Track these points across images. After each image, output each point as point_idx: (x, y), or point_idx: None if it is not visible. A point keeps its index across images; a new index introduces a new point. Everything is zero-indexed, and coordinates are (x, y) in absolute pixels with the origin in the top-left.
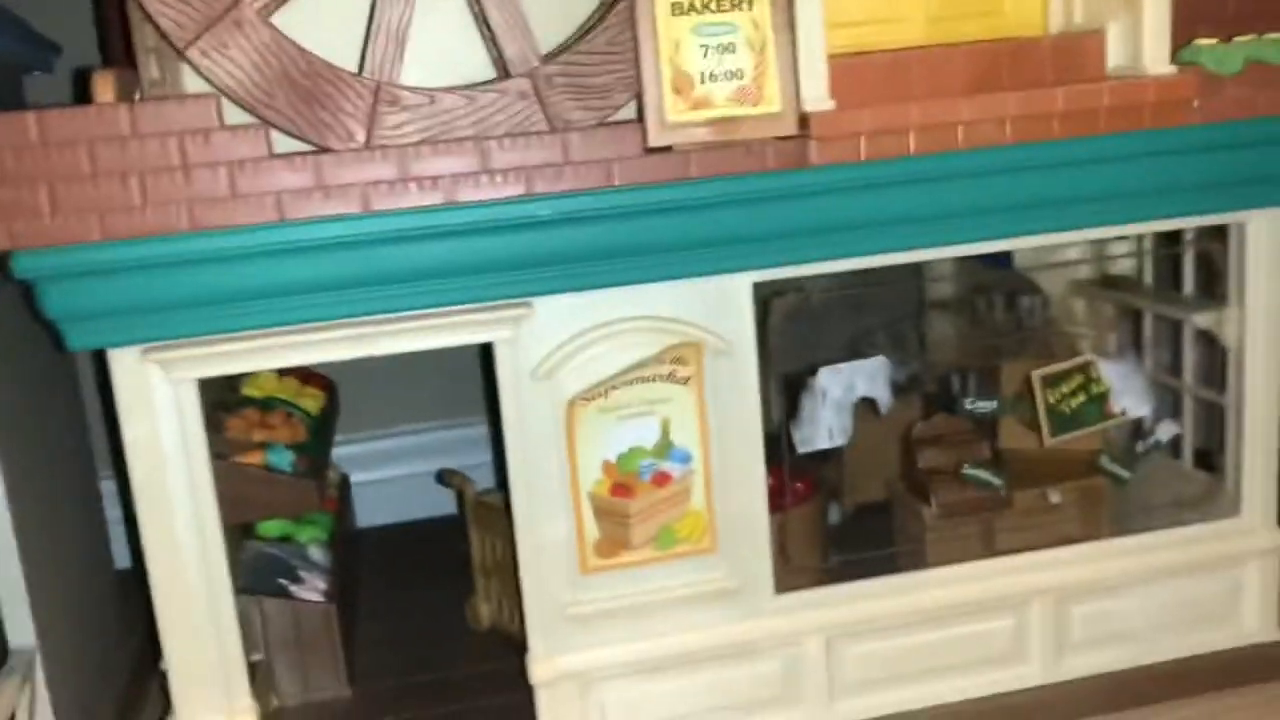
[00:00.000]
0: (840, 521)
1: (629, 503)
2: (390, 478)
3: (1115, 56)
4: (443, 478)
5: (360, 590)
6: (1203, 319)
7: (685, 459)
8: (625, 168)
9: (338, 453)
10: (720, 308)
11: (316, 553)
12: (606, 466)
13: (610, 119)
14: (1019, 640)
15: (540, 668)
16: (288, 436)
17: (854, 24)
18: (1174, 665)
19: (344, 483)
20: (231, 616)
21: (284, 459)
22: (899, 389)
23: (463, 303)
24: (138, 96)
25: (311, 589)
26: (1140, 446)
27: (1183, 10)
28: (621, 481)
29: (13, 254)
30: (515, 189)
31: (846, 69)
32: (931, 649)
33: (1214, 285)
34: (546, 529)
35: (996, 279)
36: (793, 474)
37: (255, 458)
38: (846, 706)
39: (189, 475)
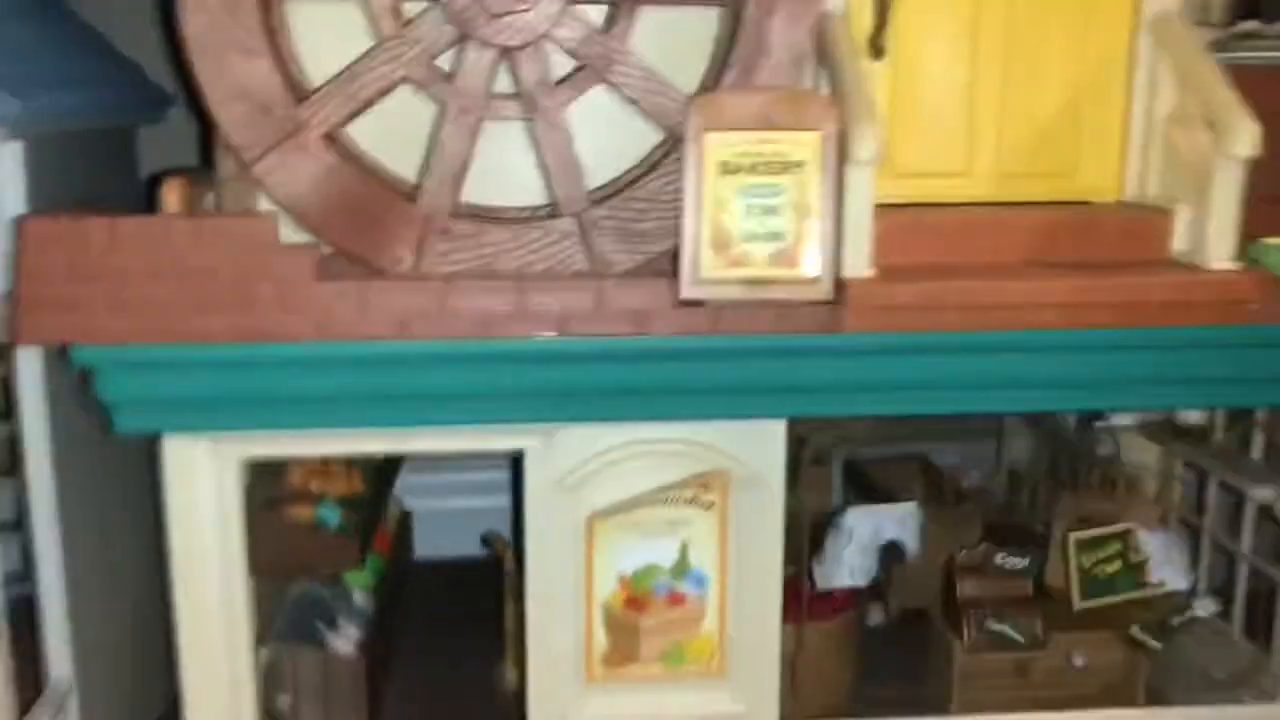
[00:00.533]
0: (881, 624)
1: (641, 617)
2: (455, 510)
3: (1181, 240)
4: (486, 540)
5: (404, 631)
6: (1262, 493)
7: (701, 582)
8: (657, 317)
9: (404, 481)
10: (752, 439)
11: (360, 597)
12: (622, 580)
13: (650, 263)
14: None
15: None
16: (344, 488)
17: (919, 175)
18: None
19: (404, 519)
20: (249, 682)
21: (332, 516)
22: (962, 499)
23: (494, 421)
24: (210, 196)
25: (346, 638)
26: (1176, 620)
27: (1258, 203)
28: (635, 597)
29: (73, 345)
30: (549, 329)
31: (900, 228)
32: None
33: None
34: (557, 633)
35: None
36: None
37: (304, 512)
38: None
39: (223, 551)
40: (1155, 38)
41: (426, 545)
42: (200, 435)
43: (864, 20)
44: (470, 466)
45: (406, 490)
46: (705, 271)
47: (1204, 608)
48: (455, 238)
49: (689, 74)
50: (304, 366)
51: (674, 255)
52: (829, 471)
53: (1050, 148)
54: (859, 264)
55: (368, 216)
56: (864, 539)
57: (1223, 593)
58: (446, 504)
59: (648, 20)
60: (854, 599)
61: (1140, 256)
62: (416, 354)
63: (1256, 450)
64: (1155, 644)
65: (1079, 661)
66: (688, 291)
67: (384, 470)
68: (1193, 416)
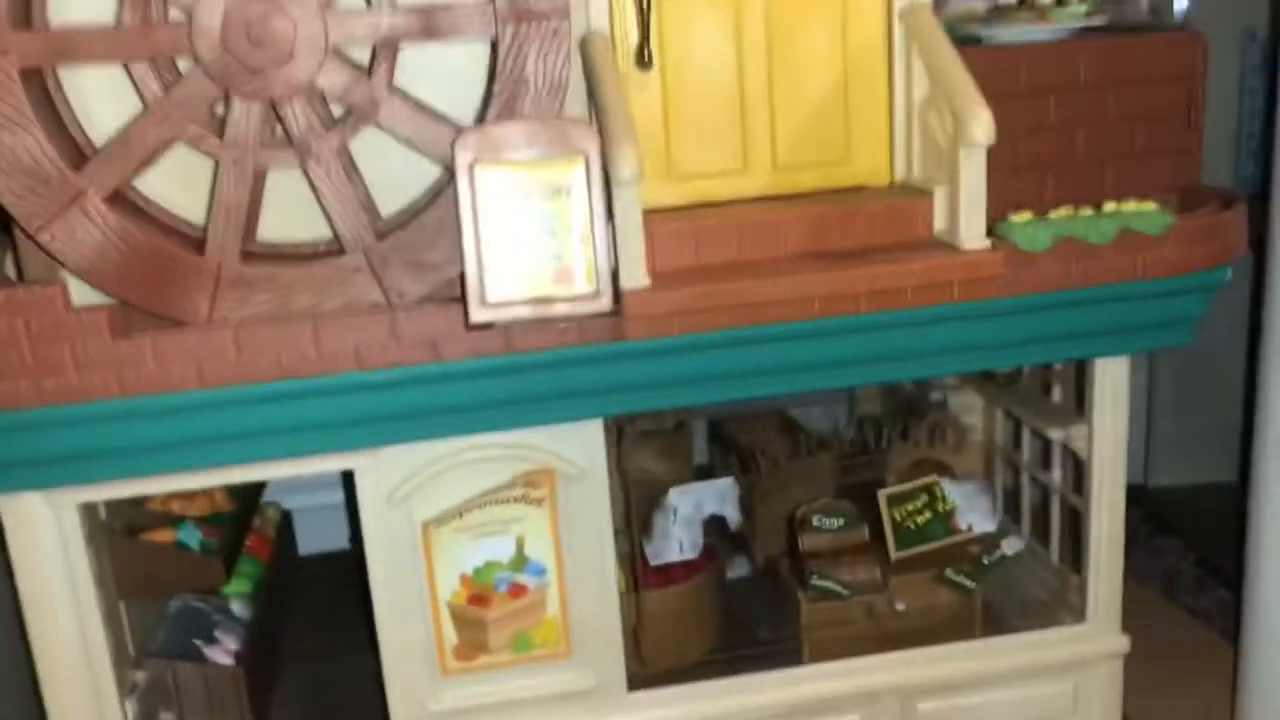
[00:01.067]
0: (748, 575)
1: (485, 612)
2: (336, 503)
3: (940, 220)
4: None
5: (290, 631)
6: (1057, 433)
7: (540, 572)
8: (450, 342)
9: (278, 481)
10: (571, 436)
11: (238, 606)
12: (464, 579)
13: (439, 290)
14: None
15: None
16: (206, 507)
17: (699, 176)
18: None
19: (283, 520)
20: (114, 708)
21: (193, 537)
22: (818, 450)
23: (309, 454)
24: (9, 259)
25: (224, 650)
26: (986, 559)
27: (1012, 179)
28: (478, 593)
29: None
30: (345, 364)
31: (676, 236)
32: None
33: (1072, 399)
34: (406, 633)
35: None
36: None
37: (165, 535)
38: None
39: (73, 591)
40: (905, 27)
41: (310, 541)
42: (27, 491)
43: (632, 33)
44: None
45: (283, 490)
46: (491, 295)
47: (1011, 546)
48: (248, 283)
49: (471, 105)
50: (112, 421)
51: (461, 281)
52: (688, 436)
53: (821, 137)
54: (635, 275)
55: (160, 272)
56: (688, 515)
57: (1042, 525)
58: (326, 499)
59: (421, 57)
60: (705, 562)
61: (906, 238)
62: (217, 399)
63: (1056, 395)
64: (969, 583)
65: (900, 606)
66: (476, 315)
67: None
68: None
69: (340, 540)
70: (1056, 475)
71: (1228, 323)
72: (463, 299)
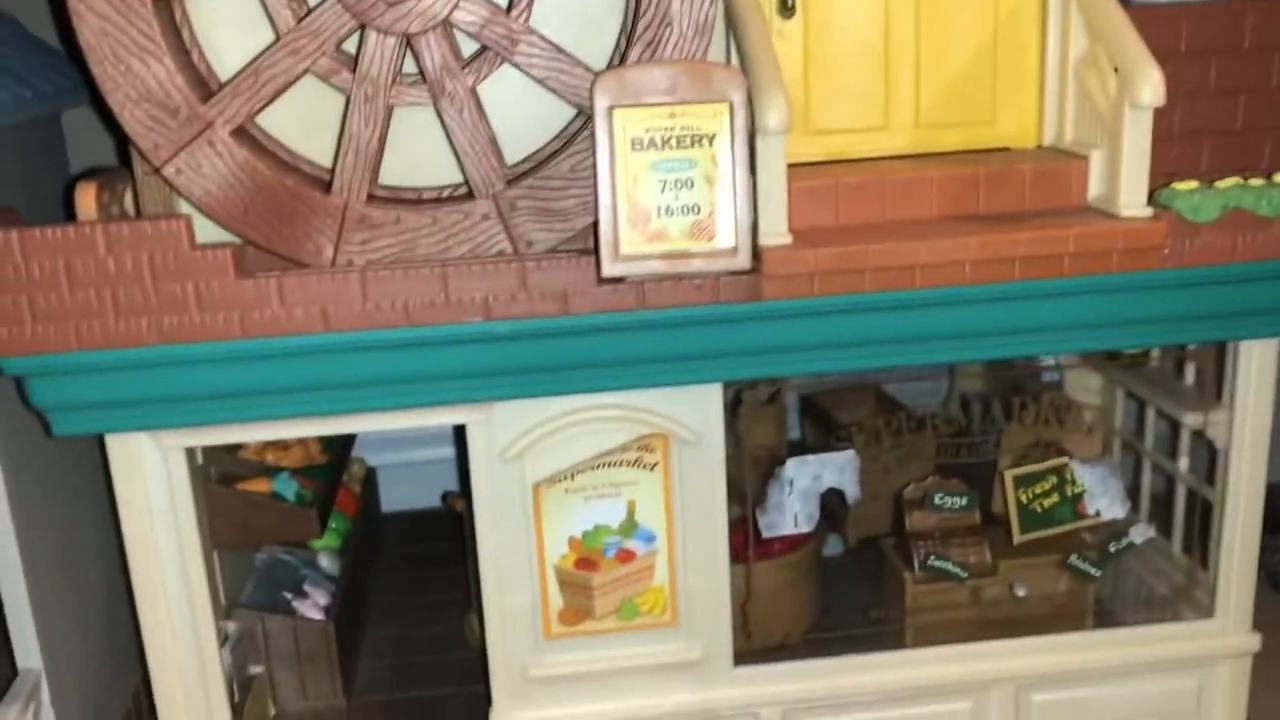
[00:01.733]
0: (840, 554)
1: (592, 576)
2: (419, 461)
3: (1095, 187)
4: (445, 500)
5: (375, 588)
6: (1193, 418)
7: (649, 539)
8: (579, 296)
9: (367, 435)
10: (689, 401)
11: (326, 561)
12: (572, 542)
13: (571, 240)
14: None
15: None
16: (300, 458)
17: (837, 132)
18: None
19: (368, 476)
20: (214, 657)
21: (289, 488)
22: (915, 429)
23: (429, 405)
24: (129, 195)
25: (313, 605)
26: (1113, 547)
27: (1167, 147)
28: (586, 556)
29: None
30: (472, 314)
31: (814, 193)
32: None
33: (1208, 385)
34: (512, 596)
35: None
36: None
37: (261, 485)
38: None
39: (177, 536)
40: None
41: (393, 500)
42: (139, 432)
43: None
44: None
45: (368, 446)
46: (625, 248)
47: (1140, 534)
48: (373, 226)
49: (600, 49)
50: (231, 362)
51: (594, 232)
52: (781, 408)
53: (967, 96)
54: (775, 231)
55: (284, 210)
56: (804, 487)
57: (1164, 514)
58: (410, 456)
59: None
60: (808, 534)
61: (1057, 204)
62: (341, 344)
63: (1189, 377)
64: (1093, 571)
65: (1021, 591)
66: (609, 269)
67: (343, 435)
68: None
69: (422, 499)
70: (1184, 463)
71: None
72: (594, 251)
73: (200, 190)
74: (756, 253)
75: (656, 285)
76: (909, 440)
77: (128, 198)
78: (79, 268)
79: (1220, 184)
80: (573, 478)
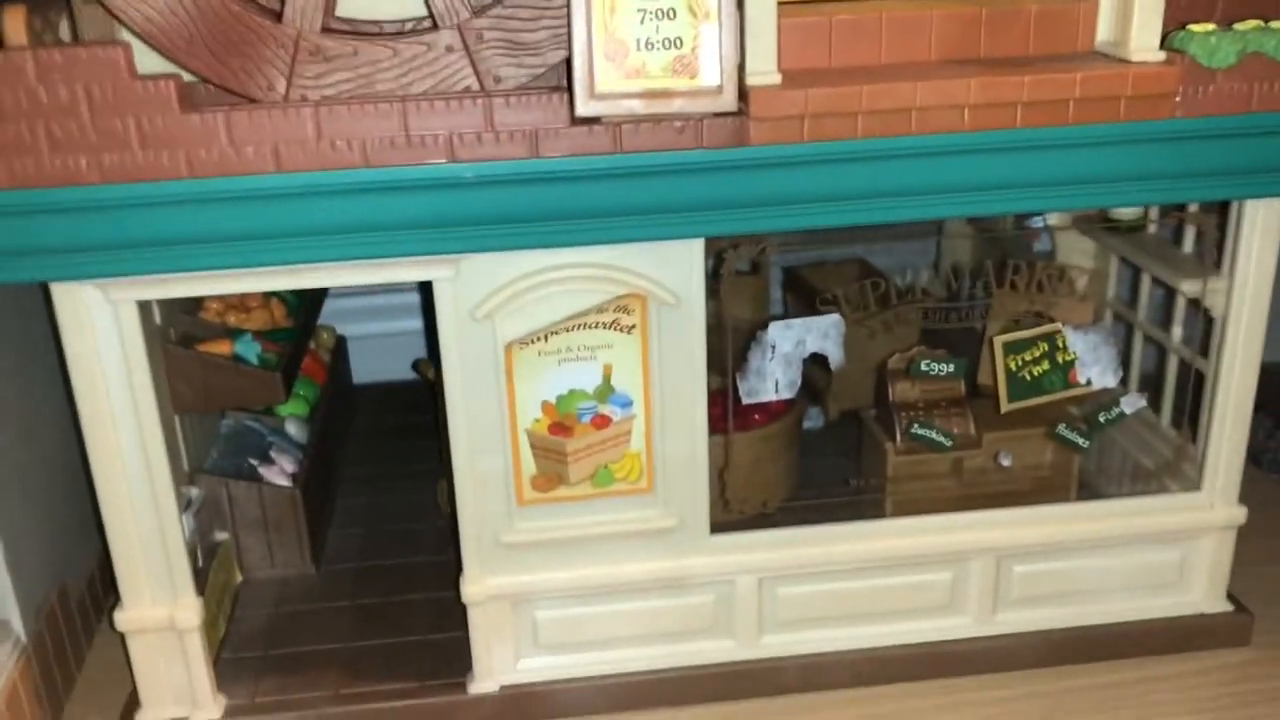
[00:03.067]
0: (820, 427)
1: (566, 441)
2: (391, 332)
3: (1105, 30)
4: (416, 366)
5: (345, 459)
6: (1190, 286)
7: (626, 404)
8: (550, 139)
9: (336, 307)
10: (669, 261)
11: (294, 428)
12: (545, 406)
13: (541, 78)
14: (955, 593)
15: (473, 588)
16: (264, 321)
17: None
18: (1113, 628)
19: (338, 345)
20: (173, 519)
21: (251, 350)
22: (907, 295)
23: (390, 256)
24: (64, 24)
25: (280, 471)
26: (1103, 417)
27: None
28: (560, 421)
29: None
30: (435, 156)
31: (803, 30)
32: (864, 596)
33: (1208, 251)
34: (483, 461)
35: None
36: None
37: (222, 347)
38: (775, 641)
39: (131, 395)
40: None
41: (364, 371)
42: (86, 282)
43: None
44: (401, 289)
45: (339, 316)
46: (601, 85)
47: (1130, 404)
48: (328, 58)
49: None
50: (177, 205)
51: (567, 68)
52: (764, 280)
53: None
54: (763, 70)
55: (232, 40)
56: (786, 352)
57: (1154, 387)
58: (381, 327)
59: None
60: (788, 406)
61: (1062, 49)
62: (294, 187)
63: (1188, 244)
64: (1082, 441)
65: (1005, 461)
66: (583, 108)
67: (307, 298)
68: (1126, 212)
69: (395, 372)
70: (1178, 333)
71: None
72: (568, 89)
73: (141, 17)
74: (743, 93)
75: (635, 127)
76: (894, 309)
77: (63, 27)
78: (8, 99)
79: (1239, 26)
80: (546, 339)
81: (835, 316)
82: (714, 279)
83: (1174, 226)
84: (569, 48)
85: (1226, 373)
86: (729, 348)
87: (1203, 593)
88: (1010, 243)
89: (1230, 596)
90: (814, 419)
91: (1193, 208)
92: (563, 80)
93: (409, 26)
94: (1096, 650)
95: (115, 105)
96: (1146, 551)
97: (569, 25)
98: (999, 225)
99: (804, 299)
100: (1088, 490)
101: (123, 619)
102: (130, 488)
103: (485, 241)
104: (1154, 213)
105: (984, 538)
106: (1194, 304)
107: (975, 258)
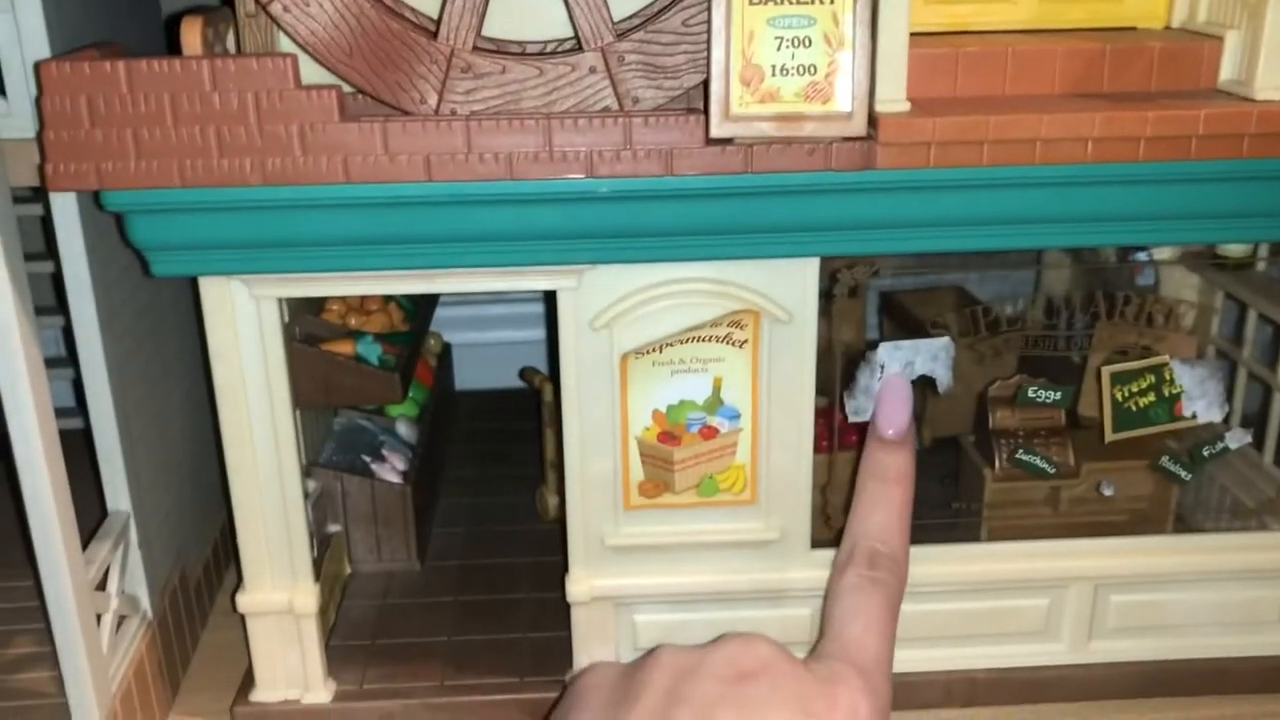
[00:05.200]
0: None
1: (674, 450)
2: (493, 342)
3: (1229, 69)
4: (523, 375)
5: (448, 462)
6: None
7: (734, 416)
8: (685, 157)
9: (443, 315)
10: (785, 279)
11: (404, 428)
12: (656, 415)
13: (678, 100)
14: (1051, 619)
15: (578, 588)
16: (383, 324)
17: (958, 0)
18: (1211, 664)
19: (444, 351)
20: (298, 508)
21: (372, 351)
22: (1012, 323)
23: (524, 264)
24: (231, 36)
25: (391, 469)
26: (1207, 451)
27: None
28: (669, 430)
29: (102, 191)
30: (575, 171)
31: (933, 60)
32: (959, 617)
33: None
34: (594, 465)
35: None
36: None
37: (345, 347)
38: None
39: (267, 387)
40: None
41: (466, 378)
42: (234, 276)
43: None
44: (506, 299)
45: (445, 324)
46: (735, 107)
47: (1235, 439)
48: (478, 75)
49: None
50: (332, 209)
51: (703, 91)
52: (863, 303)
53: None
54: (893, 98)
55: (389, 55)
56: (895, 373)
57: (1258, 425)
58: (485, 336)
59: None
60: None
61: (1185, 86)
62: (442, 195)
63: None
64: (1184, 474)
65: (1108, 490)
66: (718, 129)
67: (422, 304)
68: (1235, 249)
69: (494, 379)
70: None
71: None
72: (703, 110)
73: (306, 30)
74: (872, 120)
75: (766, 149)
76: (1000, 335)
77: (230, 38)
78: (185, 103)
79: None
80: (660, 350)
81: (946, 339)
82: (825, 299)
83: None
84: (707, 70)
85: None
86: (837, 366)
87: None
88: (1112, 275)
89: None
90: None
91: None
92: (698, 102)
93: (551, 48)
94: (1189, 685)
95: (281, 112)
96: (1245, 588)
97: (708, 50)
98: (1101, 257)
99: (899, 323)
100: (1183, 524)
101: (245, 601)
102: (260, 477)
103: (614, 254)
104: (1263, 250)
105: (1082, 565)
106: None
107: (1076, 289)
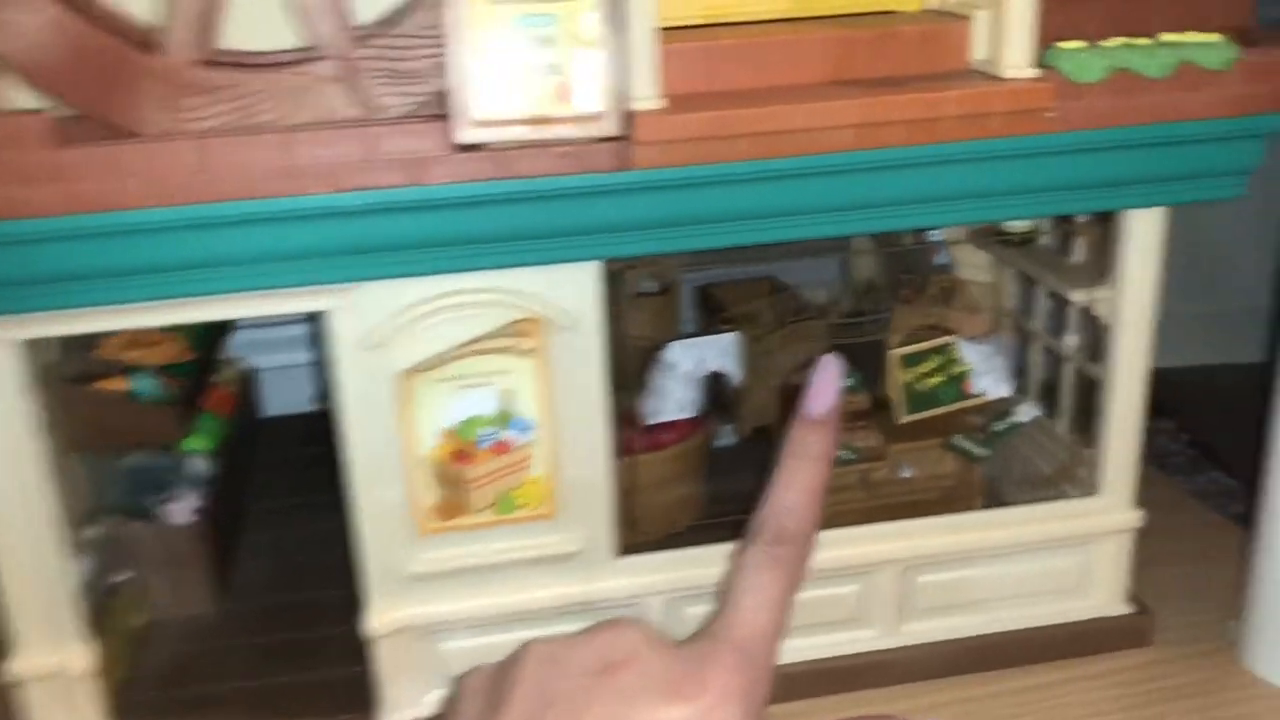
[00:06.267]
0: (733, 445)
1: (466, 469)
2: (301, 364)
3: (980, 48)
4: (318, 397)
5: (252, 494)
6: (1079, 295)
7: (526, 429)
8: (433, 166)
9: (248, 338)
10: (564, 284)
11: (197, 464)
12: (444, 434)
13: (424, 106)
14: (861, 605)
15: (377, 621)
16: (166, 355)
17: None
18: (1018, 635)
19: (244, 378)
20: (62, 562)
21: (149, 386)
22: (808, 316)
23: (278, 287)
24: None
25: (184, 509)
26: (998, 426)
27: (1054, 11)
28: (460, 449)
29: None
30: (318, 186)
31: (686, 55)
32: None
33: (1098, 260)
34: (382, 490)
35: None
36: None
37: (118, 384)
38: None
39: (14, 445)
40: None
41: (279, 403)
42: None
43: None
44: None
45: (252, 347)
46: (481, 111)
47: (1025, 413)
48: (206, 90)
49: None
50: (55, 241)
51: (449, 96)
52: (674, 299)
53: None
54: (647, 95)
55: (108, 73)
56: (688, 371)
57: (1052, 395)
58: (296, 358)
59: None
60: (698, 425)
61: (940, 68)
62: (178, 220)
63: (1077, 254)
64: (978, 451)
65: (906, 472)
66: (463, 135)
67: (213, 330)
68: (1018, 225)
69: (305, 403)
70: (1071, 342)
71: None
72: (450, 117)
73: (11, 49)
74: (626, 119)
75: (518, 153)
76: (801, 327)
77: None
78: None
79: (1106, 43)
80: (442, 366)
81: (733, 334)
82: (632, 298)
83: (1062, 237)
84: (450, 74)
85: (1117, 378)
86: (630, 368)
87: (1104, 596)
88: (913, 258)
89: (1132, 599)
90: (727, 437)
91: (1080, 219)
92: (446, 108)
93: (289, 57)
94: (1002, 658)
95: None
96: (1047, 557)
97: (449, 53)
98: (900, 240)
99: (715, 317)
100: (994, 500)
101: (13, 667)
102: (14, 533)
103: (374, 270)
104: (1045, 223)
105: (888, 549)
106: (1087, 312)
107: (881, 273)
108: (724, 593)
